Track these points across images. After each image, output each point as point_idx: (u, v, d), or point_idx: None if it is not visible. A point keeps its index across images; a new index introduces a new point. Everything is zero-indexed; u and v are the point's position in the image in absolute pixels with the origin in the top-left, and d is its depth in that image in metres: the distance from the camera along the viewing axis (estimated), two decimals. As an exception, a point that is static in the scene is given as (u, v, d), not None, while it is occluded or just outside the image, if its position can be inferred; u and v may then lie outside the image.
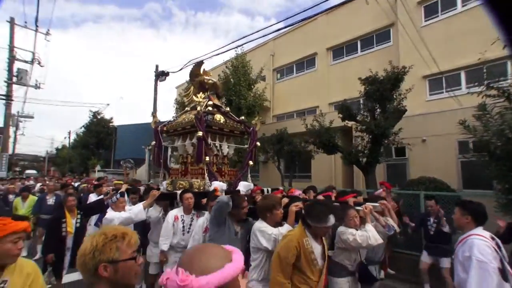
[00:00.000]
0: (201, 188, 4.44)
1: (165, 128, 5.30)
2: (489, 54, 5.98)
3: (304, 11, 21.24)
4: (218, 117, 5.04)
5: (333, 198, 4.18)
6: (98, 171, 23.49)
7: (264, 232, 2.62)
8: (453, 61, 10.45)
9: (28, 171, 35.42)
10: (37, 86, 16.60)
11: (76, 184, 12.09)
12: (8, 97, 13.71)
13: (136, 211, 3.50)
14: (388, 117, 7.18)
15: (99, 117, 31.64)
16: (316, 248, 2.42)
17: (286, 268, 2.31)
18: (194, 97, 5.32)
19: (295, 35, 17.16)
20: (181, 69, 11.37)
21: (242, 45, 12.45)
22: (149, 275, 4.10)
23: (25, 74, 15.10)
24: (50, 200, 6.62)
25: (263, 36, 9.27)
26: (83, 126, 32.07)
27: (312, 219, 2.39)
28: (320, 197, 4.07)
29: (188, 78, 6.23)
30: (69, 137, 34.16)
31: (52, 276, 3.67)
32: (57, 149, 43.60)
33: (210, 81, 5.44)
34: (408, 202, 5.80)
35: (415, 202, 5.74)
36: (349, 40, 14.68)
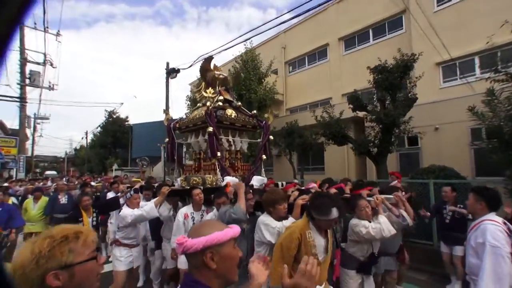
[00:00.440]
0: (214, 183, 4.45)
1: (177, 125, 5.31)
2: (501, 38, 5.87)
3: None
4: (230, 111, 5.01)
5: (347, 191, 4.16)
6: (116, 169, 24.16)
7: (268, 226, 2.63)
8: (466, 47, 10.18)
9: (48, 172, 36.64)
10: (50, 88, 16.66)
11: (94, 183, 12.57)
12: (22, 99, 14.00)
13: (147, 209, 3.59)
14: (398, 106, 7.14)
15: (114, 116, 32.33)
16: (319, 241, 2.38)
17: (288, 259, 2.29)
18: (203, 93, 5.32)
19: (306, 26, 17.03)
20: (191, 66, 11.57)
21: (250, 38, 12.54)
22: (165, 269, 4.21)
23: (38, 76, 15.21)
24: (63, 199, 6.63)
25: (274, 27, 9.15)
26: (99, 126, 32.85)
27: (315, 211, 2.36)
28: (333, 189, 4.00)
29: (199, 74, 6.24)
30: (86, 138, 35.15)
31: None
32: (75, 149, 44.93)
33: (221, 76, 5.41)
34: (418, 191, 5.79)
35: (425, 191, 5.70)
36: (360, 29, 14.44)
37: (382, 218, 2.81)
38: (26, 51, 14.67)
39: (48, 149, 58.52)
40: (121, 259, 3.71)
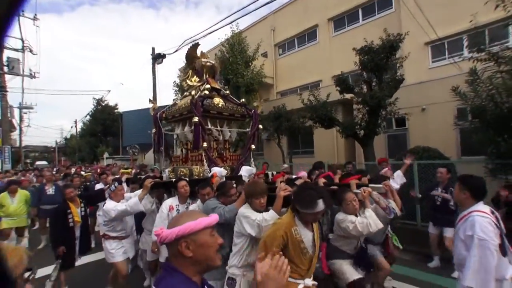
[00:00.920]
0: (201, 174, 4.37)
1: (164, 115, 5.16)
2: (487, 16, 5.77)
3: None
4: (217, 100, 4.87)
5: (336, 180, 4.06)
6: (107, 158, 24.00)
7: (248, 218, 2.57)
8: (455, 25, 10.05)
9: (38, 162, 36.31)
10: (32, 76, 16.07)
11: (83, 173, 12.43)
12: (1, 87, 13.46)
13: (131, 203, 3.52)
14: (384, 88, 7.08)
15: (103, 104, 31.81)
16: (307, 236, 2.32)
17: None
18: (188, 81, 5.14)
19: (295, 7, 16.60)
20: (176, 50, 11.29)
21: (240, 18, 12.18)
22: (147, 262, 4.17)
23: (17, 63, 14.53)
24: (50, 190, 6.59)
25: (263, 5, 8.66)
26: (88, 114, 32.46)
27: (299, 205, 2.27)
28: (321, 179, 3.89)
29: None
30: (75, 126, 34.63)
31: (57, 270, 3.70)
32: (66, 138, 44.36)
33: (208, 63, 5.21)
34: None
35: (408, 173, 5.74)
36: (350, 9, 14.13)
37: (369, 212, 2.74)
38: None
39: (39, 139, 57.74)
40: (112, 251, 3.71)
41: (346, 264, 2.92)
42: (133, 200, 3.55)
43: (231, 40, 12.58)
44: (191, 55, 5.30)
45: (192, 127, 4.49)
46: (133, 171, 8.43)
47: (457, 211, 4.21)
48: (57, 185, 6.80)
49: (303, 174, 4.43)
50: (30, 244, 6.56)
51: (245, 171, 4.54)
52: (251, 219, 2.54)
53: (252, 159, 5.22)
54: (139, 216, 4.14)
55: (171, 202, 3.66)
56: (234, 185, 3.34)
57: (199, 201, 3.41)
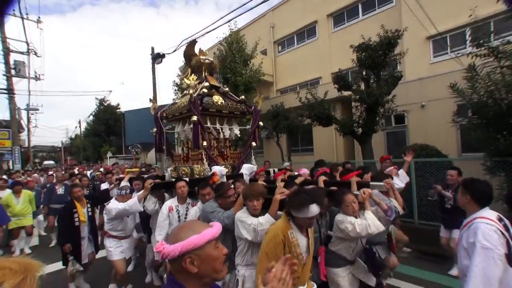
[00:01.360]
0: (202, 173, 4.35)
1: (164, 114, 5.14)
2: (492, 8, 5.59)
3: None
4: (216, 98, 4.83)
5: (338, 177, 4.00)
6: (110, 157, 24.22)
7: (244, 223, 2.55)
8: (458, 19, 9.82)
9: (46, 162, 37.30)
10: (37, 78, 16.33)
11: (89, 173, 12.58)
12: (10, 90, 13.65)
13: (131, 203, 3.65)
14: (382, 85, 6.97)
15: (105, 104, 32.07)
16: (302, 241, 2.26)
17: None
18: (186, 80, 5.01)
19: (294, 3, 16.42)
20: (175, 50, 11.24)
21: (239, 15, 12.09)
22: (153, 260, 4.25)
23: (23, 66, 14.76)
24: (60, 190, 6.82)
25: (262, 2, 8.30)
26: (91, 114, 32.78)
27: (292, 209, 2.22)
28: (322, 178, 3.78)
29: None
30: (79, 126, 35.02)
31: (76, 263, 3.92)
32: (71, 138, 44.99)
33: (207, 60, 5.15)
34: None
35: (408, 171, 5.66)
36: (349, 4, 13.93)
37: (369, 214, 2.66)
38: (8, 40, 14.08)
39: (46, 139, 58.47)
40: (111, 249, 3.92)
41: (343, 275, 2.85)
42: (132, 200, 3.68)
43: (229, 39, 12.50)
44: (189, 53, 5.25)
45: (192, 126, 4.48)
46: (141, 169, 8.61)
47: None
48: (67, 185, 6.98)
49: (305, 171, 4.42)
50: (41, 242, 7.10)
51: (246, 169, 4.51)
52: (247, 223, 2.52)
53: (253, 156, 5.17)
54: (146, 217, 4.26)
55: (170, 203, 3.71)
56: (232, 186, 3.31)
57: (199, 203, 3.44)
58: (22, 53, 15.04)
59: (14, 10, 14.61)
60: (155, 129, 5.18)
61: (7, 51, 13.89)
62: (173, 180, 4.17)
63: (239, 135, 5.51)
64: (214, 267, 1.06)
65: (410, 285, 4.04)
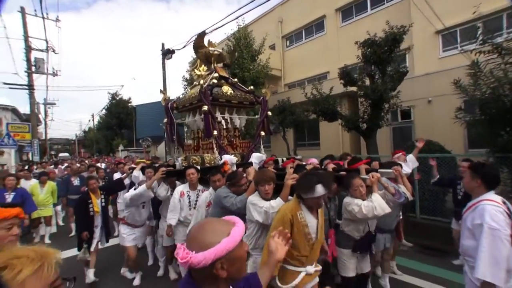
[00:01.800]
0: (212, 162, 4.43)
1: (175, 105, 5.24)
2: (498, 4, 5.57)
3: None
4: (226, 88, 4.91)
5: (346, 166, 4.06)
6: (122, 150, 24.83)
7: (256, 206, 2.65)
8: (468, 13, 9.67)
9: (61, 154, 38.68)
10: (54, 74, 17.09)
11: (103, 165, 13.03)
12: (30, 86, 14.36)
13: (142, 189, 3.82)
14: (387, 81, 7.01)
15: (117, 98, 32.68)
16: (311, 222, 2.34)
17: None
18: (196, 71, 5.16)
19: (302, -3, 16.34)
20: (184, 46, 11.48)
21: (246, 13, 12.16)
22: (163, 247, 4.42)
23: (42, 63, 15.45)
24: (75, 181, 7.06)
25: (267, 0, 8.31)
26: (103, 108, 33.48)
27: (300, 190, 2.33)
28: (331, 165, 3.89)
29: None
30: (93, 120, 35.90)
31: (87, 252, 4.10)
32: (84, 131, 46.10)
33: (216, 52, 5.25)
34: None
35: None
36: (358, -2, 13.83)
37: (376, 197, 2.74)
38: (30, 38, 14.76)
39: (61, 132, 60.14)
40: (124, 236, 4.13)
41: (350, 258, 2.99)
42: (142, 187, 3.85)
43: (237, 35, 12.62)
44: (198, 44, 5.35)
45: (202, 116, 4.56)
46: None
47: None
48: (82, 176, 7.22)
49: (313, 161, 4.44)
50: (59, 231, 7.33)
51: (255, 158, 4.58)
52: (259, 206, 2.64)
53: (262, 145, 5.23)
54: (156, 203, 4.40)
55: (182, 188, 3.87)
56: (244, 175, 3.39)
57: (211, 189, 3.53)
58: (41, 50, 15.73)
59: (35, 10, 15.22)
60: (166, 119, 5.28)
61: (28, 49, 14.60)
62: (184, 167, 4.29)
63: (243, 127, 5.56)
64: (241, 267, 1.00)
65: (411, 278, 4.09)
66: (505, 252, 1.87)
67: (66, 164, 11.80)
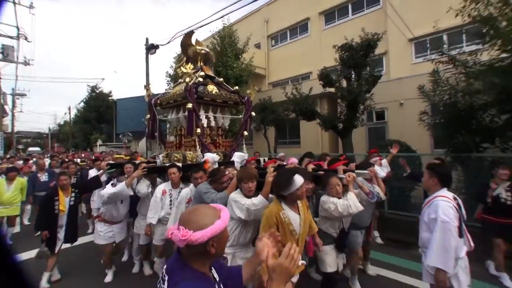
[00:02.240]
0: (194, 160, 4.43)
1: (158, 101, 5.24)
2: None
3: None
4: (211, 87, 4.95)
5: (325, 166, 4.18)
6: (100, 145, 24.13)
7: (238, 203, 2.69)
8: (438, 23, 10.44)
9: (31, 148, 35.53)
10: (26, 63, 16.32)
11: (79, 160, 12.57)
12: None
13: (120, 188, 3.72)
14: (362, 83, 7.51)
15: (97, 91, 31.66)
16: (294, 218, 2.42)
17: None
18: (182, 68, 5.16)
19: (288, -1, 16.78)
20: (169, 42, 11.49)
21: (231, 12, 12.35)
22: (139, 246, 4.34)
23: (11, 51, 14.68)
24: (43, 177, 6.65)
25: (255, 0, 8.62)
26: (82, 101, 32.26)
27: (280, 188, 2.40)
28: (311, 165, 4.01)
29: (180, 49, 5.91)
30: (69, 113, 34.48)
31: (44, 247, 3.86)
32: (59, 125, 44.04)
33: (203, 51, 5.30)
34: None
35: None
36: (340, 3, 14.48)
37: (351, 195, 2.86)
38: None
39: (33, 124, 56.98)
40: (101, 234, 4.01)
41: (330, 253, 3.12)
42: (121, 184, 3.75)
43: (222, 33, 12.82)
44: (186, 43, 5.34)
45: (186, 113, 4.56)
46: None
47: None
48: (51, 171, 6.91)
49: (294, 160, 4.58)
50: (25, 230, 6.74)
51: (238, 157, 4.61)
52: (241, 203, 2.68)
53: (245, 145, 5.33)
54: (134, 201, 4.27)
55: (164, 186, 3.87)
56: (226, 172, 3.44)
57: (191, 185, 3.53)
58: (11, 37, 14.89)
59: (5, -7, 14.38)
60: (148, 115, 5.28)
61: (-4, 36, 13.82)
62: (166, 165, 4.29)
63: (227, 127, 5.71)
64: (224, 246, 1.20)
65: (379, 270, 4.31)
66: (454, 243, 2.15)
67: (34, 159, 10.89)
